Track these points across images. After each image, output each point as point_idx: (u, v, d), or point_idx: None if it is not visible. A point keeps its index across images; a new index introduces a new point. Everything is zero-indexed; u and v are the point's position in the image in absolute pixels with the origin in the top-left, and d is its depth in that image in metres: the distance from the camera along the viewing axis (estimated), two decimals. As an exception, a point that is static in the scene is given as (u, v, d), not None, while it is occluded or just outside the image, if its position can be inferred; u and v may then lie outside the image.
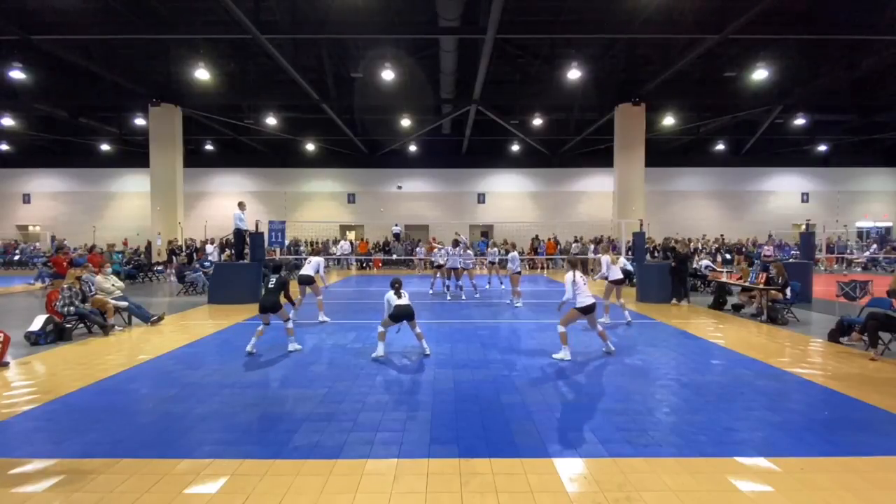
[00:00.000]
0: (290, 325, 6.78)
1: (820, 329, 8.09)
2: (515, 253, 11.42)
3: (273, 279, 6.73)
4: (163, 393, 4.97)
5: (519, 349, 6.90)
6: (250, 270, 11.69)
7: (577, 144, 24.38)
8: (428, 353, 6.48)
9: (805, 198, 26.95)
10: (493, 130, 23.17)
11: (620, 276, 8.77)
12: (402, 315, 6.35)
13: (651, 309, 10.42)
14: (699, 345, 7.19)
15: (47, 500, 2.95)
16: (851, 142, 25.07)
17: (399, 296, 6.35)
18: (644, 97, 17.97)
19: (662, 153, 25.06)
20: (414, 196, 26.91)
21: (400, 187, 26.64)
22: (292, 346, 6.74)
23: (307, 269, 9.14)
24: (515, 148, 25.92)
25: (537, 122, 21.91)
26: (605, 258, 8.93)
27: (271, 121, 21.19)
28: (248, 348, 6.55)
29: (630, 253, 13.94)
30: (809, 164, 26.69)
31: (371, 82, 17.77)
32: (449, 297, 12.28)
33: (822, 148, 25.87)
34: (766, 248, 20.22)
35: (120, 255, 11.86)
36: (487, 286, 14.62)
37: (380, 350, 6.41)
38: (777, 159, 26.44)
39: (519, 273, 11.10)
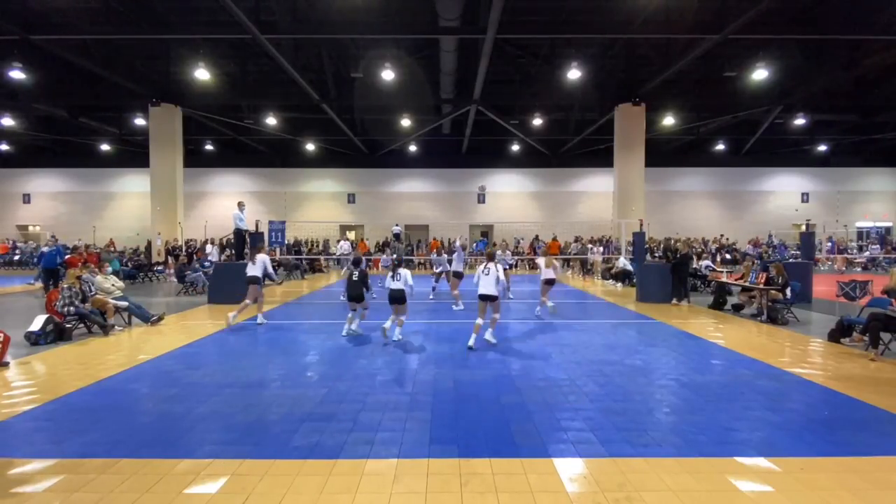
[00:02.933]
0: (366, 312, 7.93)
1: (820, 329, 8.09)
2: (462, 254, 11.12)
3: (356, 272, 7.55)
4: (163, 393, 4.97)
5: (519, 349, 6.89)
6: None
7: (577, 144, 24.36)
8: (397, 338, 7.08)
9: (805, 198, 26.95)
10: (493, 130, 23.15)
11: (552, 276, 9.59)
12: (392, 300, 6.91)
13: (651, 309, 10.41)
14: (699, 345, 7.18)
15: (47, 500, 2.95)
16: (851, 142, 25.06)
17: (394, 276, 6.88)
18: (644, 97, 17.97)
19: (662, 153, 25.07)
20: (414, 196, 26.90)
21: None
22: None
23: (254, 270, 8.61)
24: (515, 148, 25.91)
25: (537, 122, 21.88)
26: (542, 260, 9.90)
27: (271, 121, 21.19)
28: (344, 333, 7.57)
29: (630, 253, 13.93)
30: (809, 164, 26.69)
31: (371, 82, 17.77)
32: (431, 297, 12.15)
33: (822, 148, 25.87)
34: (750, 247, 20.45)
35: (116, 261, 11.49)
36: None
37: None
38: (777, 159, 26.45)
39: (459, 275, 10.73)
